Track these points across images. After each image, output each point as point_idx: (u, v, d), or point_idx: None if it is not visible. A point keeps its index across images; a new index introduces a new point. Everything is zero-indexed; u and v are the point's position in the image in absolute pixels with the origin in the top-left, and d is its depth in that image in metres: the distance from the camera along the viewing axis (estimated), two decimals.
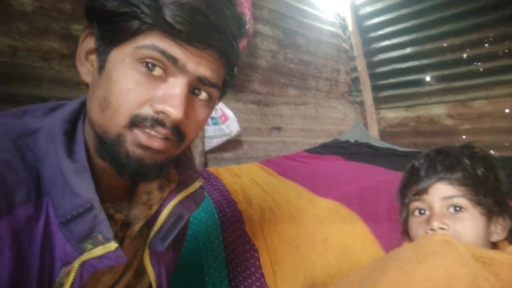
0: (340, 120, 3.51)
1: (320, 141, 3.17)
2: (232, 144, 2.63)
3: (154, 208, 0.64)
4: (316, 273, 1.22)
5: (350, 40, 3.54)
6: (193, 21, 0.46)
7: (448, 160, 0.77)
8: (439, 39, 2.96)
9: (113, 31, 0.49)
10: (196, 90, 0.53)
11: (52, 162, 0.50)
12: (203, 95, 0.54)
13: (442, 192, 0.75)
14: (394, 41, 3.26)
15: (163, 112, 0.48)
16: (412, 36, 3.12)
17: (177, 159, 0.68)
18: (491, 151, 2.67)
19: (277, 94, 3.05)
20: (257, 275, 1.22)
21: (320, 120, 3.34)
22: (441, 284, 0.60)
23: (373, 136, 3.11)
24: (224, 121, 2.41)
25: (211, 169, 1.93)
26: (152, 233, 0.63)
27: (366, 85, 3.36)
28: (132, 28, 0.47)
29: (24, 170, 0.48)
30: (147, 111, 0.48)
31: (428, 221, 0.75)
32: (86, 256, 0.50)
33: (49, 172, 0.50)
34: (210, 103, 0.56)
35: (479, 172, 0.74)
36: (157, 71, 0.49)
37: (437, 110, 2.99)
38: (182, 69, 0.49)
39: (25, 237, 0.46)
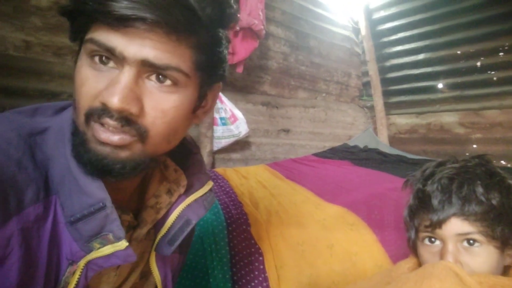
0: (349, 125, 3.49)
1: (329, 144, 3.15)
2: (240, 145, 2.63)
3: (162, 212, 0.64)
4: (321, 279, 1.21)
5: (362, 44, 3.52)
6: None
7: (463, 191, 0.72)
8: (453, 46, 2.92)
9: (72, 32, 0.49)
10: (160, 77, 0.49)
11: (60, 162, 0.50)
12: (167, 82, 0.49)
13: (457, 229, 0.71)
14: (407, 46, 3.23)
15: (105, 103, 0.46)
16: (426, 42, 3.09)
17: (186, 162, 0.68)
18: (502, 162, 2.64)
19: (286, 96, 3.05)
20: (260, 278, 1.22)
21: (329, 123, 3.32)
22: None
23: (382, 142, 3.09)
24: (233, 121, 2.41)
25: (219, 170, 1.93)
26: (159, 237, 0.63)
27: (377, 90, 3.34)
28: (78, 24, 0.47)
29: (34, 169, 0.48)
30: (96, 103, 0.47)
31: (441, 255, 0.72)
32: (92, 255, 0.50)
33: (57, 172, 0.50)
34: (177, 89, 0.51)
35: (494, 202, 0.70)
36: (111, 64, 0.48)
37: (449, 118, 2.96)
38: (122, 57, 0.46)
39: (33, 236, 0.47)
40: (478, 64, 2.80)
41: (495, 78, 2.72)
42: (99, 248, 0.50)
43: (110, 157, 0.48)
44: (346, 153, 2.60)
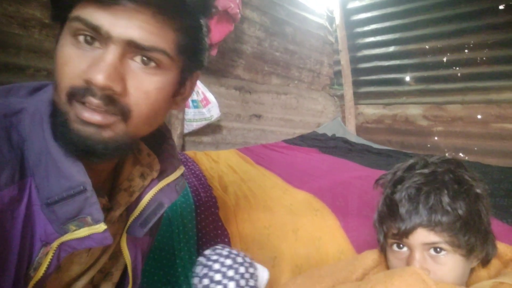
0: (319, 112, 3.55)
1: (299, 131, 3.20)
2: (211, 128, 2.63)
3: (135, 195, 0.64)
4: (285, 262, 1.26)
5: (336, 33, 3.56)
6: None
7: (430, 201, 0.73)
8: (422, 40, 3.01)
9: (54, 10, 0.49)
10: (144, 58, 0.50)
11: (37, 144, 0.50)
12: (151, 64, 0.50)
13: (423, 238, 0.72)
14: (379, 38, 3.30)
15: (90, 81, 0.46)
16: (396, 35, 3.16)
17: (158, 147, 0.69)
18: (461, 154, 2.78)
19: (260, 81, 3.05)
20: None
21: (300, 111, 3.37)
22: None
23: (350, 131, 3.17)
24: (206, 105, 2.40)
25: (189, 153, 1.93)
26: (132, 219, 0.64)
27: (347, 79, 3.40)
28: (62, 2, 0.47)
29: (9, 151, 0.48)
30: (79, 82, 0.47)
31: (408, 262, 0.74)
32: (66, 237, 0.51)
33: (34, 154, 0.50)
34: (160, 71, 0.52)
35: (461, 212, 0.72)
36: (96, 44, 0.48)
37: (414, 110, 3.07)
38: (107, 36, 0.46)
39: (7, 218, 0.47)
40: (444, 59, 2.91)
41: (459, 74, 2.84)
42: (74, 230, 0.51)
43: (93, 137, 0.48)
44: (314, 141, 2.67)
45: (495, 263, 0.79)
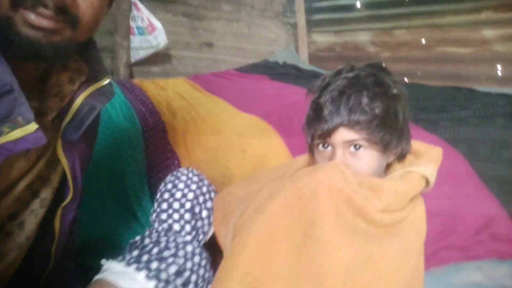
0: (272, 41, 3.51)
1: (252, 61, 3.17)
2: (159, 57, 2.55)
3: (66, 99, 0.65)
4: (234, 179, 1.33)
5: None
6: None
7: (351, 102, 0.77)
8: None
9: None
10: None
11: None
12: None
13: (344, 136, 0.78)
14: None
15: None
16: None
17: (85, 54, 0.69)
18: (405, 79, 2.90)
19: (209, 7, 2.93)
20: None
21: (253, 39, 3.31)
22: (323, 196, 0.70)
23: (302, 59, 3.19)
24: (151, 31, 2.30)
25: (135, 80, 1.90)
26: (65, 123, 0.65)
27: (300, 6, 3.34)
28: None
29: None
30: None
31: (331, 159, 0.80)
32: (1, 140, 0.51)
33: None
34: None
35: (377, 111, 0.77)
36: None
37: (363, 37, 3.11)
38: None
39: None
40: None
41: None
42: (8, 132, 0.51)
43: (43, 41, 0.51)
44: (265, 68, 2.67)
45: (410, 158, 0.88)
